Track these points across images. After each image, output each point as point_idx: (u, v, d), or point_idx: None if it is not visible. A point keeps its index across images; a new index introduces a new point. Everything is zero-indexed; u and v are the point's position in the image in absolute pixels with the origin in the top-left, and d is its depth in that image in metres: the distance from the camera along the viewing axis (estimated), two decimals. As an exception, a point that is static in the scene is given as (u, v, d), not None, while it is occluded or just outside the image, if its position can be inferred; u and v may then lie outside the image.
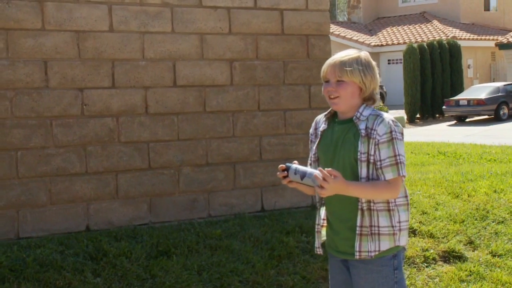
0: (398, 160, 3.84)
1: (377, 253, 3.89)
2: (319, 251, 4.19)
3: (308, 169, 3.88)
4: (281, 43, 8.63)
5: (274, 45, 8.59)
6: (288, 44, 8.68)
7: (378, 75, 4.03)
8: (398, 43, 39.65)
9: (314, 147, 4.16)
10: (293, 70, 8.70)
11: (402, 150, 3.87)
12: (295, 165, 3.88)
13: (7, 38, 7.16)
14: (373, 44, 41.19)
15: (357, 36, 41.71)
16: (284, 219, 7.95)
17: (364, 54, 4.00)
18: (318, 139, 4.13)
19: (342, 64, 3.90)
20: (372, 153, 3.84)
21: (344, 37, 40.17)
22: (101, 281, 6.14)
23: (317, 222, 4.21)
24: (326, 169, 3.80)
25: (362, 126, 3.89)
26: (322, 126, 4.13)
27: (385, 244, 3.91)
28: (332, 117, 4.12)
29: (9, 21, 7.17)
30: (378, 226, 3.89)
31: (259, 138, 8.50)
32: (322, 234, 4.19)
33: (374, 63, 4.03)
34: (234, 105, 8.34)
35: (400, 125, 3.93)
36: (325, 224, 4.18)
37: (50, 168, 7.34)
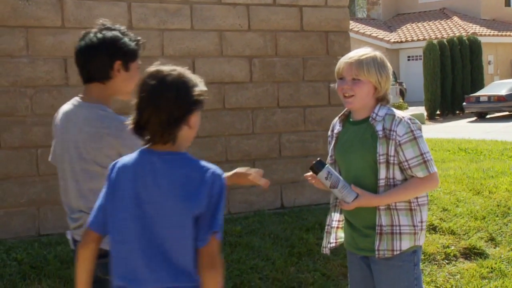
0: (426, 158, 3.83)
1: (397, 252, 3.87)
2: (326, 250, 4.18)
3: (341, 178, 3.86)
4: (300, 40, 8.61)
5: (293, 42, 8.58)
6: (308, 41, 8.66)
7: (391, 76, 4.00)
8: (418, 40, 39.47)
9: (330, 149, 4.14)
10: (312, 67, 8.69)
11: (426, 148, 3.86)
12: (329, 168, 3.86)
13: (27, 36, 7.19)
14: (392, 40, 41.03)
15: (376, 33, 41.56)
16: (303, 216, 7.93)
17: (380, 53, 3.97)
18: (334, 141, 4.11)
19: (360, 63, 3.87)
20: (392, 154, 3.81)
21: (363, 34, 40.04)
22: (121, 278, 6.15)
23: (327, 222, 4.20)
24: (352, 186, 3.81)
25: (379, 127, 3.85)
26: (337, 128, 4.11)
27: (406, 244, 3.88)
28: (346, 118, 4.10)
29: (29, 19, 7.20)
30: (399, 225, 3.86)
31: (278, 135, 8.49)
32: (338, 235, 4.17)
33: (387, 62, 4.00)
34: (254, 102, 8.33)
35: (418, 121, 3.92)
36: (340, 226, 4.18)
37: (70, 165, 7.35)
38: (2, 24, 7.10)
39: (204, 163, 2.91)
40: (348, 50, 8.92)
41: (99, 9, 7.49)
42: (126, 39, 3.59)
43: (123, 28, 3.69)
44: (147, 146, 2.95)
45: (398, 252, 3.86)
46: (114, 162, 3.02)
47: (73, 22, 7.39)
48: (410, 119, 3.87)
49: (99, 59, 3.57)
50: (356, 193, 3.82)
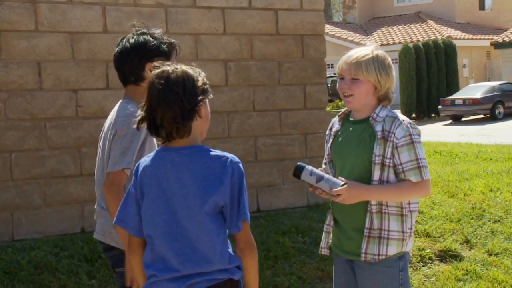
0: (420, 164, 3.78)
1: (383, 257, 3.80)
2: (324, 251, 4.10)
3: (326, 174, 3.82)
4: (276, 43, 8.62)
5: (269, 45, 8.57)
6: (283, 44, 8.67)
7: (394, 74, 3.94)
8: (394, 43, 39.61)
9: (328, 147, 4.08)
10: (288, 70, 8.69)
11: (423, 153, 3.81)
12: (310, 167, 3.81)
13: (0, 40, 7.14)
14: (372, 44, 41.10)
15: (352, 36, 41.69)
16: (280, 219, 7.93)
17: (381, 52, 3.92)
18: (331, 140, 4.05)
19: (358, 62, 3.83)
20: (388, 156, 3.76)
21: (339, 37, 40.14)
22: (96, 283, 6.12)
23: (327, 222, 4.11)
24: (339, 178, 3.77)
25: (378, 128, 3.80)
26: (336, 127, 4.06)
27: (393, 249, 3.81)
28: (346, 117, 4.05)
29: (2, 23, 7.14)
30: (388, 230, 3.80)
31: (254, 138, 8.48)
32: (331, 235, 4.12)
33: (390, 61, 3.95)
34: (229, 106, 8.32)
35: (418, 127, 3.86)
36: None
37: (45, 170, 7.31)
38: (-26, 27, 7.04)
39: (221, 152, 3.11)
40: (323, 53, 8.95)
41: (73, 13, 7.44)
42: (156, 42, 3.84)
43: (158, 31, 3.94)
44: (163, 145, 3.12)
45: (383, 257, 3.80)
46: (136, 166, 3.20)
47: (47, 26, 7.34)
48: (410, 123, 3.82)
49: (131, 63, 3.84)
50: (341, 184, 3.75)
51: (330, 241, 4.07)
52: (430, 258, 7.10)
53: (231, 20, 8.35)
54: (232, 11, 8.35)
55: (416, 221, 7.81)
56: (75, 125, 7.45)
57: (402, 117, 3.86)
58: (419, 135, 3.84)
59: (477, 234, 7.72)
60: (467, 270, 6.85)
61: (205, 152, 3.11)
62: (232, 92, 8.35)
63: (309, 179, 3.79)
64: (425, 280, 6.70)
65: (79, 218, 7.46)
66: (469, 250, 7.37)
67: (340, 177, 3.83)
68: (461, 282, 6.65)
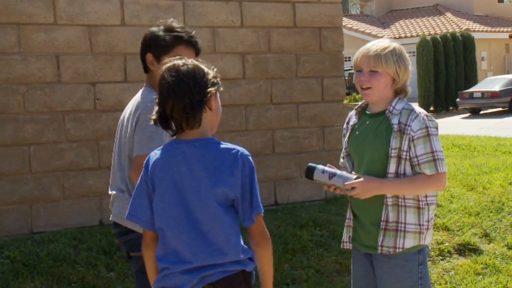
0: (436, 157, 3.75)
1: (400, 250, 3.79)
2: (347, 245, 4.08)
3: (338, 171, 3.81)
4: (293, 36, 8.60)
5: (287, 38, 8.56)
6: (301, 37, 8.65)
7: (410, 67, 3.94)
8: (411, 36, 39.47)
9: (345, 141, 4.07)
10: (305, 63, 8.67)
11: (439, 146, 3.78)
12: (321, 166, 3.79)
13: (19, 33, 7.16)
14: (386, 37, 41.04)
15: (369, 29, 41.57)
16: (297, 212, 7.92)
17: (398, 45, 3.91)
18: (348, 133, 4.04)
19: (378, 54, 3.81)
20: (405, 149, 3.74)
21: (356, 30, 40.05)
22: (115, 275, 6.14)
23: (348, 216, 4.09)
24: (352, 172, 3.77)
25: (394, 120, 3.79)
26: (353, 120, 4.05)
27: (410, 242, 3.80)
28: (363, 110, 4.04)
29: (21, 16, 7.16)
30: (405, 223, 3.79)
31: (272, 131, 8.47)
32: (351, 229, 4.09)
33: (407, 54, 3.94)
34: (247, 99, 8.31)
35: (435, 120, 3.85)
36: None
37: (63, 162, 7.34)
38: (-7, 21, 7.07)
39: (231, 145, 3.12)
40: (341, 46, 8.92)
41: (91, 6, 7.46)
42: (162, 34, 3.94)
43: (177, 25, 4.03)
44: (174, 137, 3.13)
45: (400, 250, 3.79)
46: (146, 159, 3.19)
47: (65, 19, 7.36)
48: (426, 115, 3.81)
49: (141, 53, 4.00)
50: (354, 178, 3.75)
51: (351, 235, 4.04)
52: (449, 252, 7.07)
53: (248, 13, 8.34)
54: (249, 4, 8.33)
55: (435, 215, 7.79)
56: (93, 118, 7.47)
57: (418, 109, 3.84)
58: (436, 128, 3.82)
59: (496, 227, 7.68)
60: (486, 264, 6.82)
61: (216, 144, 3.12)
62: (250, 85, 8.34)
63: (321, 177, 3.78)
64: (444, 274, 6.67)
65: (98, 210, 7.48)
66: (488, 244, 7.33)
67: (353, 172, 3.83)
68: (480, 276, 6.62)
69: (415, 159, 3.75)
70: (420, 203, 3.81)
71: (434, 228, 7.48)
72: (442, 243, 7.18)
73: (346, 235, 4.07)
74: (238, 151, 3.09)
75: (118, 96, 7.54)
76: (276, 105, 8.50)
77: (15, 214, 7.16)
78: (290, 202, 8.47)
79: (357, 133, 3.98)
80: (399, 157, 3.76)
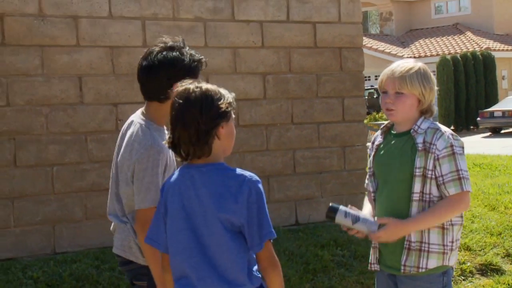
0: (461, 175, 3.73)
1: (423, 270, 3.77)
2: (374, 267, 4.04)
3: (361, 214, 3.80)
4: (314, 56, 8.63)
5: (307, 58, 8.59)
6: (321, 57, 8.68)
7: (435, 87, 3.92)
8: (431, 55, 39.37)
9: (370, 161, 4.08)
10: (326, 83, 8.69)
11: (464, 165, 3.76)
12: (344, 207, 3.77)
13: (43, 55, 7.24)
14: (405, 56, 40.96)
15: (389, 49, 41.52)
16: (318, 232, 7.91)
17: (423, 65, 3.90)
18: (373, 153, 4.04)
19: (403, 76, 3.80)
20: (430, 168, 3.73)
21: (376, 50, 40.02)
22: (137, 295, 6.15)
23: None
24: (377, 218, 3.76)
25: (419, 139, 3.78)
26: (378, 140, 4.05)
27: (433, 262, 3.78)
28: (389, 130, 4.04)
29: (44, 38, 7.25)
30: (429, 243, 3.77)
31: (292, 151, 8.49)
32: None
33: (431, 74, 3.92)
34: (268, 119, 8.34)
35: (461, 139, 3.85)
36: None
37: (85, 183, 7.38)
38: (17, 43, 7.15)
39: (240, 171, 3.08)
40: (362, 66, 8.94)
41: (113, 27, 7.53)
42: (186, 60, 3.71)
43: (185, 47, 3.79)
44: (186, 162, 3.11)
45: (423, 270, 3.77)
46: (162, 185, 3.23)
47: (87, 41, 7.43)
48: (452, 134, 3.82)
49: (158, 80, 3.70)
50: (378, 224, 3.74)
51: (378, 256, 4.01)
52: (471, 272, 7.04)
53: (269, 33, 8.38)
54: (270, 25, 8.38)
55: (457, 234, 7.76)
56: (115, 139, 7.41)
57: (444, 128, 3.84)
58: (462, 147, 3.82)
59: (518, 247, 7.64)
60: (508, 284, 6.79)
61: (224, 170, 3.09)
62: (271, 105, 8.37)
63: (344, 221, 3.76)
64: (466, 294, 6.64)
65: (119, 231, 7.51)
66: (511, 264, 7.29)
67: (376, 218, 3.81)
68: (503, 296, 6.59)
69: (440, 178, 3.74)
70: (445, 223, 3.79)
71: (456, 248, 7.45)
72: (464, 263, 7.15)
73: (373, 257, 4.04)
74: (245, 177, 3.05)
75: (140, 116, 7.58)
76: (297, 125, 8.52)
77: (38, 235, 7.21)
78: (311, 222, 8.47)
79: (382, 152, 3.98)
80: (424, 176, 3.74)
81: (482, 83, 32.14)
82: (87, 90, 7.43)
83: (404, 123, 3.89)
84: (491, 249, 7.51)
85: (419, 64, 3.88)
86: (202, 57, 3.84)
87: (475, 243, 7.60)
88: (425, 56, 40.09)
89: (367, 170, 4.14)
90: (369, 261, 4.09)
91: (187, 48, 3.81)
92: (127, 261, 3.88)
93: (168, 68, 3.68)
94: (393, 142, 3.94)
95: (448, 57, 31.91)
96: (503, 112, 28.78)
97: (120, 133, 3.99)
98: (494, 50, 36.86)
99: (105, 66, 7.51)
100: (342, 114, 8.78)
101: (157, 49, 3.76)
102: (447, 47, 40.07)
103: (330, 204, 3.82)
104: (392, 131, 3.99)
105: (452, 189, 3.73)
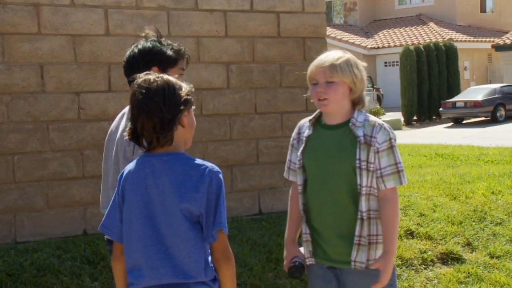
0: (400, 168, 3.73)
1: (372, 262, 3.75)
2: (310, 261, 3.97)
3: None
4: (277, 46, 8.63)
5: (271, 48, 8.59)
6: (285, 47, 8.68)
7: (365, 77, 3.88)
8: (395, 46, 39.69)
9: (298, 154, 3.93)
10: (289, 73, 8.70)
11: (400, 157, 3.77)
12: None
13: (3, 43, 7.16)
14: (369, 46, 41.23)
15: (353, 39, 41.75)
16: (281, 222, 7.92)
17: (351, 55, 3.86)
18: (303, 145, 3.92)
19: (333, 64, 3.76)
20: (372, 161, 3.69)
21: (340, 40, 40.20)
22: (99, 285, 6.13)
23: (304, 231, 3.98)
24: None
25: (359, 132, 3.72)
26: (307, 132, 3.93)
27: (380, 253, 3.76)
28: (317, 121, 3.95)
29: (5, 26, 7.16)
30: (376, 235, 3.76)
31: (256, 141, 8.50)
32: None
33: (360, 63, 3.88)
34: (231, 108, 8.34)
35: (394, 132, 3.83)
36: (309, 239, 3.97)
37: (47, 172, 7.33)
38: (-23, 30, 7.06)
39: (201, 161, 3.09)
40: (325, 56, 8.94)
41: (75, 15, 7.46)
42: (162, 47, 3.89)
43: (166, 40, 3.99)
44: (146, 151, 3.10)
45: (372, 262, 3.75)
46: (121, 173, 3.19)
47: (49, 29, 7.36)
48: (389, 127, 3.78)
49: (138, 68, 3.77)
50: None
51: (311, 249, 3.94)
52: (432, 260, 7.11)
53: (233, 22, 8.37)
54: (233, 14, 8.37)
55: (418, 224, 7.83)
56: (77, 128, 7.47)
57: (380, 120, 3.80)
58: (395, 140, 3.78)
59: (479, 236, 7.73)
60: (469, 273, 6.86)
61: (185, 159, 3.09)
62: (234, 95, 8.37)
63: None
64: (427, 283, 6.71)
65: (81, 220, 7.48)
66: (471, 252, 7.38)
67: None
68: (463, 285, 6.66)
69: (379, 171, 3.71)
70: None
71: (417, 237, 7.54)
72: (425, 252, 7.21)
73: (306, 250, 3.97)
74: (206, 167, 3.06)
75: (102, 105, 7.54)
76: (260, 114, 8.53)
77: (-1, 224, 7.15)
78: (274, 211, 8.49)
79: (315, 146, 3.88)
80: (368, 170, 3.70)
81: (445, 73, 32.46)
82: (48, 79, 7.36)
83: (337, 114, 3.82)
84: (452, 238, 7.58)
85: (348, 54, 3.85)
86: (182, 48, 3.96)
87: (436, 232, 7.67)
88: (389, 46, 40.44)
89: (291, 162, 4.04)
90: (306, 255, 4.00)
91: (170, 41, 3.98)
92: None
93: (146, 54, 3.87)
94: (327, 134, 3.86)
95: (412, 47, 32.16)
96: (465, 102, 29.13)
97: (111, 126, 4.09)
98: (457, 41, 37.26)
99: (67, 54, 7.44)
100: (306, 104, 8.79)
101: (140, 41, 3.99)
102: (410, 37, 40.39)
103: (296, 262, 3.92)
104: (322, 122, 3.91)
105: (391, 183, 3.72)
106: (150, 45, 3.91)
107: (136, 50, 3.92)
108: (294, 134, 4.05)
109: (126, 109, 3.97)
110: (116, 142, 3.90)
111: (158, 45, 3.90)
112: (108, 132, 4.09)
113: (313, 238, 3.93)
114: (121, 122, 3.97)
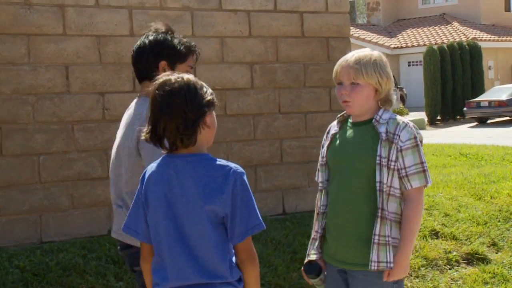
0: (425, 168, 3.65)
1: (391, 264, 3.63)
2: (316, 256, 3.95)
3: None
4: (301, 46, 8.63)
5: (294, 48, 8.59)
6: (308, 47, 8.68)
7: (392, 75, 3.80)
8: (418, 45, 39.51)
9: (324, 150, 3.92)
10: (313, 73, 8.70)
11: (424, 157, 3.68)
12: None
13: (29, 44, 7.21)
14: (392, 46, 41.08)
15: (376, 38, 41.61)
16: (305, 222, 7.93)
17: (377, 53, 3.77)
18: (328, 142, 3.90)
19: (357, 66, 3.68)
20: (393, 159, 3.60)
21: (363, 40, 40.07)
22: (124, 285, 6.16)
23: (315, 228, 3.97)
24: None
25: (382, 129, 3.65)
26: (334, 129, 3.91)
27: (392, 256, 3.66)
28: (346, 120, 3.91)
29: (31, 27, 7.21)
30: (391, 237, 3.65)
31: (280, 141, 8.50)
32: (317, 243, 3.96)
33: (387, 62, 3.80)
34: (255, 108, 8.34)
35: (420, 132, 3.75)
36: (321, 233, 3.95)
37: (72, 172, 7.37)
38: (3, 32, 7.11)
39: (225, 162, 3.07)
40: (349, 56, 8.93)
41: (100, 16, 7.50)
42: (175, 42, 3.89)
43: (177, 34, 4.00)
44: (169, 152, 3.07)
45: (391, 265, 3.63)
46: (143, 173, 3.17)
47: (74, 30, 7.40)
48: (414, 126, 3.71)
49: (146, 59, 3.88)
50: None
51: (316, 247, 3.92)
52: (456, 261, 7.07)
53: (256, 23, 8.38)
54: (257, 14, 8.37)
55: (443, 224, 7.80)
56: (102, 128, 7.50)
57: (406, 120, 3.73)
58: (421, 141, 3.71)
59: (504, 237, 7.68)
60: (494, 273, 6.82)
61: (209, 160, 3.07)
62: (258, 95, 8.37)
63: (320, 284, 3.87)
64: (451, 283, 6.68)
65: (106, 220, 7.51)
66: (496, 253, 7.33)
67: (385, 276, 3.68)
68: (488, 285, 6.62)
69: (403, 171, 3.63)
70: (401, 217, 3.69)
71: (442, 237, 7.51)
72: (450, 252, 7.18)
73: (310, 247, 3.96)
74: (230, 168, 3.03)
75: (127, 106, 7.48)
76: (284, 114, 8.53)
77: (25, 224, 7.19)
78: (298, 211, 8.49)
79: (338, 142, 3.85)
80: (388, 167, 3.62)
81: (469, 73, 32.23)
82: (73, 79, 7.41)
83: (363, 114, 3.77)
84: (477, 238, 7.54)
85: (374, 53, 3.76)
86: (193, 43, 3.96)
87: (461, 232, 7.63)
88: (412, 46, 40.24)
89: (319, 160, 3.99)
90: (307, 252, 3.99)
91: (181, 36, 3.98)
92: (126, 245, 3.88)
93: (155, 46, 3.87)
94: (351, 131, 3.81)
95: (435, 47, 31.97)
96: (489, 102, 28.91)
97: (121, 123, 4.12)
98: (481, 40, 37.02)
99: (91, 55, 7.49)
100: (329, 104, 8.78)
101: (150, 33, 3.96)
102: (434, 37, 40.18)
103: (308, 261, 3.93)
104: (350, 120, 3.87)
105: (416, 182, 3.64)
106: (162, 38, 3.89)
107: (147, 41, 3.91)
108: (325, 134, 4.03)
109: (129, 111, 4.00)
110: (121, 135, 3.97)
111: (170, 39, 3.90)
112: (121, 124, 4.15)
113: (326, 237, 3.90)
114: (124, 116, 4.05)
